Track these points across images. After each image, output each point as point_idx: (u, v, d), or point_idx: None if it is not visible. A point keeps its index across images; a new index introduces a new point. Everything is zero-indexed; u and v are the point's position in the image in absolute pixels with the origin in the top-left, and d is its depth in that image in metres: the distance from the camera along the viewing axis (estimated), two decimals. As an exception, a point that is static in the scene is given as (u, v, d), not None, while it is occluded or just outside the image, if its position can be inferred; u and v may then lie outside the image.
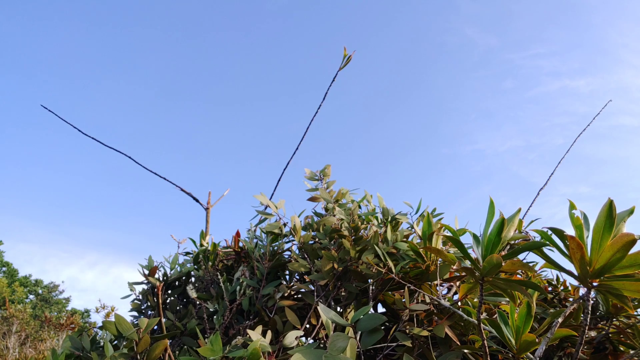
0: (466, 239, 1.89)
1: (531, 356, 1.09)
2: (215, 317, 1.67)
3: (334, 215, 1.79)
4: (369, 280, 1.56)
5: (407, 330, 1.36)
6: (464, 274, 1.48)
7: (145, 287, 2.01)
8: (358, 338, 1.19)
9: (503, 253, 0.99)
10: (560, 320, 1.00)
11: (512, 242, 1.79)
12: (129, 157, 2.77)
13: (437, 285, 1.48)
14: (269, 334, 1.27)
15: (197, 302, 1.80)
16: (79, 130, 2.82)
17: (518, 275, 1.56)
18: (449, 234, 1.60)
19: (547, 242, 0.95)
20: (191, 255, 2.13)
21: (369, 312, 1.25)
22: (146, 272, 1.96)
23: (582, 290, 1.36)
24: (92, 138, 2.80)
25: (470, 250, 1.12)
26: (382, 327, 1.29)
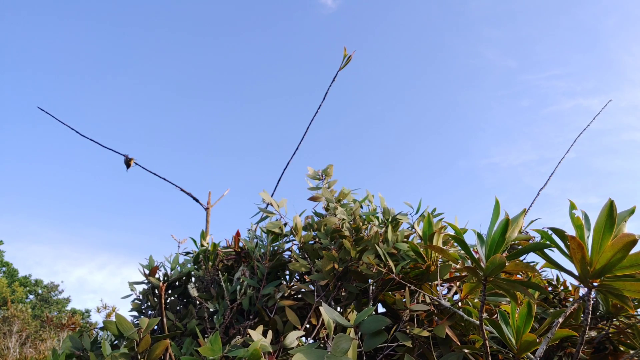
0: (467, 240, 1.88)
1: (532, 356, 1.09)
2: (215, 317, 1.67)
3: (335, 215, 1.79)
4: (369, 281, 1.56)
5: (408, 331, 1.36)
6: (464, 274, 1.48)
7: (145, 287, 2.01)
8: (360, 339, 1.19)
9: (506, 253, 0.99)
10: (560, 320, 1.00)
11: (513, 242, 1.79)
12: (121, 154, 2.77)
13: (437, 285, 1.48)
14: (270, 333, 1.27)
15: (198, 302, 1.80)
16: (76, 132, 2.81)
17: (518, 275, 1.56)
18: (451, 232, 1.60)
19: (549, 243, 0.95)
20: (191, 255, 2.12)
21: (373, 314, 1.24)
22: (147, 272, 1.96)
23: (583, 291, 1.36)
24: (90, 139, 2.80)
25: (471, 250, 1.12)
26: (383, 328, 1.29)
